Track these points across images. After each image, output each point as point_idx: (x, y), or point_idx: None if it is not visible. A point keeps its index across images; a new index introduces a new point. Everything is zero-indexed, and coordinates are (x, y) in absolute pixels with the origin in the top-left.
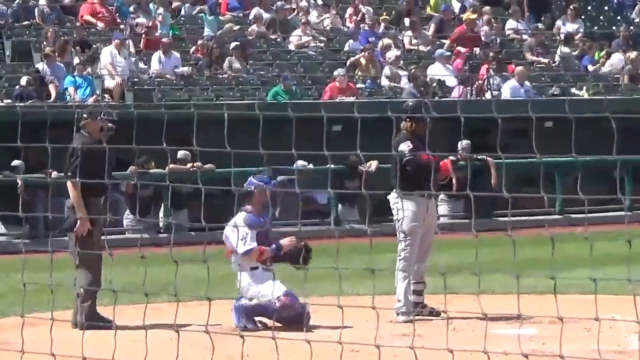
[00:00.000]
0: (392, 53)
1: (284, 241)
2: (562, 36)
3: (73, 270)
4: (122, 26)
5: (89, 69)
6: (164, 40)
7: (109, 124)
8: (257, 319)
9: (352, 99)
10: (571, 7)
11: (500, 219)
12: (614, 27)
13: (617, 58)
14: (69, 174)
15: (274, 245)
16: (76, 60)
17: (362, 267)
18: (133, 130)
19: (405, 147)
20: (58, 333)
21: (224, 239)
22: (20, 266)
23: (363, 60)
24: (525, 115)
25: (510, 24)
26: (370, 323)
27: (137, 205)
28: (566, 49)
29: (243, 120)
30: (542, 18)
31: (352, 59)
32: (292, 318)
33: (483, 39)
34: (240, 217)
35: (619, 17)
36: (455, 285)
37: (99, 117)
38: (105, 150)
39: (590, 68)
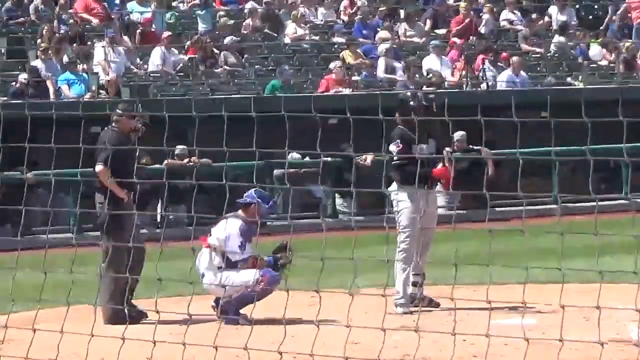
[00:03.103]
0: (384, 46)
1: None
2: (557, 26)
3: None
4: (117, 22)
5: (84, 66)
6: (165, 35)
7: (142, 127)
8: (242, 311)
9: (347, 91)
10: None
11: (498, 209)
12: (607, 17)
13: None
14: (100, 162)
15: (270, 258)
16: (66, 59)
17: (364, 259)
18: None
19: (394, 147)
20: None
21: (213, 234)
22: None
23: (347, 54)
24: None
25: (505, 14)
26: (368, 315)
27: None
28: (562, 39)
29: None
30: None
31: (342, 52)
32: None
33: (483, 29)
34: (236, 224)
35: (610, 6)
36: (453, 275)
37: (135, 118)
38: (130, 148)
39: (579, 60)
